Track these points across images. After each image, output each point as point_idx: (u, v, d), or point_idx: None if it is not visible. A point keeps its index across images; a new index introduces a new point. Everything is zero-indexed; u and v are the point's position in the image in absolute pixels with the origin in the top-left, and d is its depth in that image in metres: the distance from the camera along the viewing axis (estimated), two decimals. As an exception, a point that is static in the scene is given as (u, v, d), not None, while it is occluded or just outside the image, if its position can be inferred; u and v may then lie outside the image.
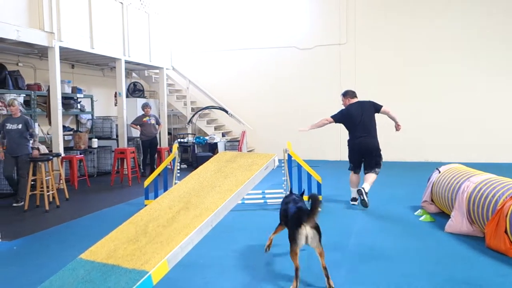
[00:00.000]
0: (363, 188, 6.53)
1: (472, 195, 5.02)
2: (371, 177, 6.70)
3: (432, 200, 6.30)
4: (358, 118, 6.77)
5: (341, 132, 12.66)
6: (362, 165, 6.92)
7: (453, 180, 5.64)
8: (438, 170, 6.27)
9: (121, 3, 10.52)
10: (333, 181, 8.51)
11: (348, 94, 7.08)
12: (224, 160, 2.94)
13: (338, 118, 6.97)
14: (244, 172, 2.64)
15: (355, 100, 7.03)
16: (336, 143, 12.63)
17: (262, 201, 7.04)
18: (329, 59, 13.02)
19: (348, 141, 6.97)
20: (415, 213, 6.20)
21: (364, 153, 6.77)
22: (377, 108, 6.87)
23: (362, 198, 6.47)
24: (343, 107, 7.15)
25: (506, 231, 4.32)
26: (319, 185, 7.12)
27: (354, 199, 6.86)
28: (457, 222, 5.18)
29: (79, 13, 9.25)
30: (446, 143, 12.12)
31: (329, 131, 12.85)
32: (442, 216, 5.90)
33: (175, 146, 7.32)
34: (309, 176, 7.15)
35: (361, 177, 6.94)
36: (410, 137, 11.61)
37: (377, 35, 12.61)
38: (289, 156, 7.07)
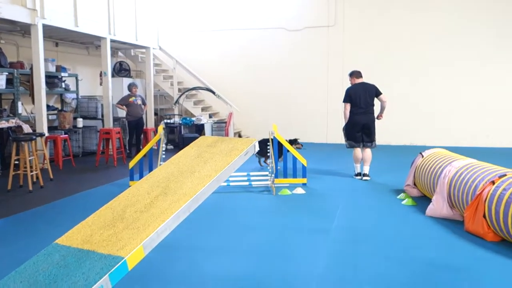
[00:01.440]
0: (365, 173, 7.63)
1: (453, 180, 5.09)
2: (368, 156, 7.63)
3: (414, 184, 6.38)
4: (362, 97, 7.53)
5: (328, 116, 12.79)
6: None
7: (435, 165, 5.71)
8: (422, 154, 6.33)
9: (107, -20, 10.31)
10: (319, 163, 8.56)
11: (354, 74, 7.80)
12: (205, 145, 2.93)
13: (347, 99, 7.66)
14: (224, 158, 2.64)
15: (360, 80, 7.74)
16: (322, 126, 12.69)
17: (247, 183, 7.06)
18: (318, 41, 12.96)
19: (349, 117, 7.64)
20: (398, 197, 6.29)
21: (363, 126, 7.56)
22: (377, 93, 7.63)
23: (365, 178, 7.59)
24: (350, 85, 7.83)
25: (484, 216, 4.40)
26: (304, 167, 7.17)
27: (358, 174, 7.72)
28: (438, 206, 5.26)
29: (63, -11, 9.04)
30: (433, 127, 12.23)
31: (316, 114, 12.96)
32: (424, 200, 5.99)
33: (161, 127, 7.28)
34: (294, 158, 7.18)
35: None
36: (396, 120, 11.70)
37: (365, 17, 12.56)
38: (275, 139, 7.07)
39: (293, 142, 8.05)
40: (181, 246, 4.34)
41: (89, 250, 1.99)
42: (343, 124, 7.82)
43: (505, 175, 4.43)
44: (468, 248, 4.26)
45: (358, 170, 7.75)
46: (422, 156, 6.28)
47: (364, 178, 7.59)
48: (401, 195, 6.28)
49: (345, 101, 7.65)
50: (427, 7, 12.10)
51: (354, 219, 5.31)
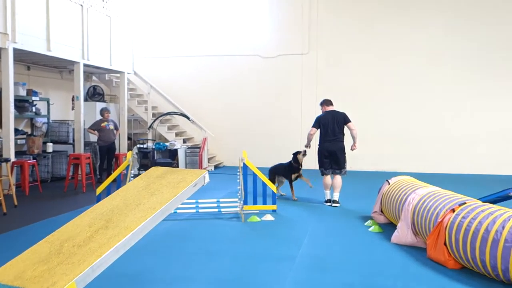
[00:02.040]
0: (335, 200, 7.69)
1: (417, 207, 5.17)
2: (338, 183, 7.70)
3: (381, 211, 6.44)
4: (330, 124, 7.70)
5: (302, 142, 12.86)
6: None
7: (400, 192, 5.79)
8: (388, 181, 6.42)
9: (81, 5, 10.33)
10: (288, 189, 8.58)
11: (325, 102, 8.07)
12: (154, 176, 2.92)
13: (316, 125, 7.87)
14: (171, 190, 2.63)
15: (330, 108, 7.97)
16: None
17: (216, 210, 7.02)
18: (292, 68, 13.18)
19: (318, 144, 7.86)
20: (365, 224, 6.33)
21: (331, 153, 7.68)
22: (346, 120, 7.76)
23: (334, 205, 7.67)
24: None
25: (445, 243, 4.47)
26: (273, 194, 7.18)
27: (328, 201, 7.78)
28: (402, 233, 5.32)
29: (36, 14, 9.01)
30: (404, 153, 12.45)
31: (288, 140, 13.03)
32: (390, 226, 6.05)
33: (129, 153, 7.23)
34: (264, 185, 7.19)
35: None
36: (368, 146, 11.85)
37: (339, 45, 12.86)
38: (245, 165, 7.08)
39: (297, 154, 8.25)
40: (140, 275, 4.26)
41: (18, 287, 1.94)
42: (316, 150, 7.94)
43: (465, 203, 4.52)
44: (428, 275, 4.29)
45: (327, 197, 7.82)
46: (389, 183, 6.37)
47: (334, 204, 7.65)
48: (368, 222, 6.33)
49: (313, 125, 7.89)
50: (402, 34, 12.46)
51: (320, 247, 5.31)
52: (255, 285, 4.06)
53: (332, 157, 7.69)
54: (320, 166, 7.84)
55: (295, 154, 8.23)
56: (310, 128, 7.88)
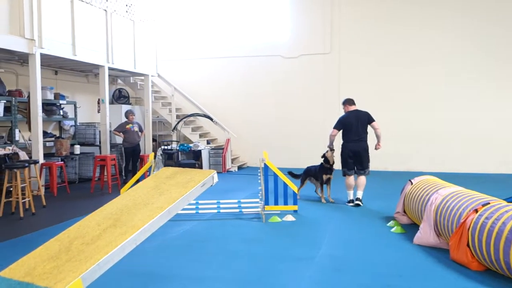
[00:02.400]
0: (358, 198, 7.58)
1: (439, 208, 5.07)
2: (362, 182, 7.61)
3: (404, 211, 6.34)
4: (354, 125, 7.59)
5: (324, 142, 12.79)
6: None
7: (423, 192, 5.69)
8: (411, 181, 6.32)
9: (105, 10, 10.55)
10: (310, 191, 8.54)
11: (347, 102, 7.89)
12: (164, 176, 2.96)
13: (338, 126, 7.75)
14: (179, 189, 2.66)
15: (353, 107, 7.82)
16: (318, 153, 12.65)
17: (237, 210, 7.06)
18: (314, 68, 13.11)
19: (342, 145, 7.77)
20: (388, 224, 6.25)
21: (355, 154, 7.59)
22: (369, 120, 7.67)
23: (358, 203, 7.57)
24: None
25: (468, 245, 4.37)
26: (294, 194, 7.16)
27: (351, 201, 7.66)
28: (425, 234, 5.22)
29: (61, 20, 9.26)
30: (429, 153, 12.23)
31: (311, 140, 12.97)
32: (413, 227, 5.94)
33: (152, 155, 7.33)
34: (285, 185, 7.18)
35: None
36: (392, 146, 11.67)
37: (361, 45, 12.73)
38: (265, 166, 7.09)
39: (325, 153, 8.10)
40: (161, 275, 4.32)
41: (28, 283, 2.01)
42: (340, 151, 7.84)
43: (488, 203, 4.41)
44: (451, 277, 4.20)
45: (350, 197, 7.72)
46: (411, 183, 6.27)
47: (356, 202, 7.56)
48: (391, 223, 6.24)
49: (334, 127, 7.77)
50: (427, 34, 12.24)
51: (340, 247, 5.27)
52: (272, 285, 4.06)
53: (356, 158, 7.62)
54: (343, 167, 7.77)
55: (324, 154, 8.05)
56: (333, 129, 7.77)
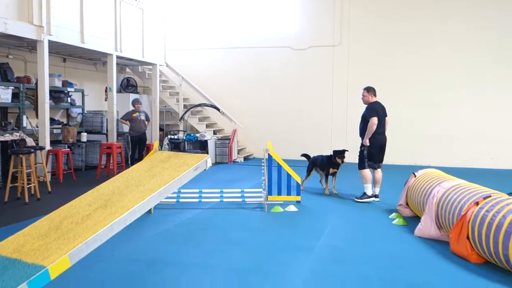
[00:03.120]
0: (377, 195, 7.36)
1: (441, 200, 5.04)
2: (381, 177, 7.37)
3: (407, 204, 6.32)
4: (381, 116, 7.24)
5: (332, 134, 12.77)
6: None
7: (426, 185, 5.66)
8: (414, 174, 6.28)
9: (114, -2, 10.56)
10: (314, 182, 8.52)
11: (372, 90, 7.38)
12: (158, 160, 2.97)
13: (376, 115, 7.16)
14: (172, 172, 2.67)
15: (376, 98, 7.38)
16: (327, 144, 12.63)
17: (240, 200, 7.07)
18: (323, 60, 13.03)
19: (370, 138, 7.18)
20: (390, 216, 6.23)
21: (381, 147, 7.31)
22: (386, 113, 7.39)
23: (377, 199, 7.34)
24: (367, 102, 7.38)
25: (468, 237, 4.34)
26: (298, 185, 7.15)
27: (372, 196, 7.33)
28: (426, 226, 5.20)
29: (70, 7, 9.28)
30: (434, 147, 12.13)
31: (319, 132, 12.94)
32: (415, 220, 5.91)
33: (156, 143, 7.35)
34: (289, 176, 7.17)
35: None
36: (401, 140, 11.60)
37: (370, 37, 12.62)
38: (269, 156, 7.09)
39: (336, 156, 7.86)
40: (162, 261, 4.35)
41: (16, 259, 2.04)
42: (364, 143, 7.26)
43: (490, 196, 4.38)
44: (450, 269, 4.19)
45: (370, 191, 7.31)
46: (415, 176, 6.23)
47: (377, 199, 7.32)
48: (393, 215, 6.22)
49: (373, 115, 7.09)
50: (437, 27, 12.10)
51: (341, 238, 5.26)
52: (270, 274, 4.08)
53: (381, 151, 7.32)
54: (369, 160, 7.26)
55: (335, 155, 7.80)
56: (372, 118, 7.04)
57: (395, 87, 12.33)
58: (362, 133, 7.33)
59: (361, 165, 7.33)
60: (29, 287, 1.85)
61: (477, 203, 4.36)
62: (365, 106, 7.40)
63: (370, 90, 7.36)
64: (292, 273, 4.10)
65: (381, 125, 7.19)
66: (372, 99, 7.32)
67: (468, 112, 11.97)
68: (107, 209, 2.36)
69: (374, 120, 7.04)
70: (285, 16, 13.43)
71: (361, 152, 7.34)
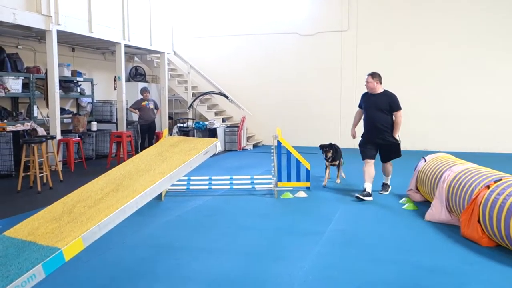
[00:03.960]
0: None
1: (452, 184, 5.02)
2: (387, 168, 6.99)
3: (417, 189, 6.30)
4: None
5: (341, 120, 12.71)
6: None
7: (436, 169, 5.63)
8: (424, 159, 6.26)
9: (121, -13, 10.54)
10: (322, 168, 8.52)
11: (377, 76, 6.57)
12: (168, 144, 3.00)
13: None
14: (182, 156, 2.69)
15: (381, 86, 6.67)
16: (336, 131, 12.60)
17: (250, 186, 7.10)
18: (331, 45, 12.93)
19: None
20: (400, 201, 6.22)
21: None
22: None
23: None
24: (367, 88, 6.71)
25: (479, 220, 4.33)
26: (307, 171, 7.15)
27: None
28: (437, 210, 5.19)
29: (77, -4, 9.29)
30: (444, 132, 12.04)
31: (327, 118, 12.89)
32: (425, 204, 5.90)
33: (165, 130, 7.38)
34: (298, 162, 7.17)
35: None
36: (411, 125, 11.50)
37: (379, 22, 12.48)
38: (278, 142, 7.09)
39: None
40: (173, 246, 4.41)
41: (30, 241, 2.08)
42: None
43: (501, 179, 4.35)
44: (461, 252, 4.19)
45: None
46: (425, 161, 6.20)
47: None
48: (403, 200, 6.21)
49: (401, 107, 6.50)
50: (445, 11, 11.93)
51: (351, 223, 5.28)
52: (279, 257, 4.11)
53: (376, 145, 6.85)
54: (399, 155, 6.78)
55: (321, 150, 7.58)
56: (400, 110, 6.45)
57: (404, 71, 12.22)
58: (384, 126, 6.48)
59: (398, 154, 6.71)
60: (44, 268, 1.90)
61: (488, 187, 4.34)
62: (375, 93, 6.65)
63: (375, 76, 6.50)
64: (300, 256, 4.13)
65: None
66: (378, 86, 6.53)
67: (478, 94, 11.83)
68: (119, 193, 2.39)
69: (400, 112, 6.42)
70: (293, 2, 13.31)
71: (397, 145, 6.61)
